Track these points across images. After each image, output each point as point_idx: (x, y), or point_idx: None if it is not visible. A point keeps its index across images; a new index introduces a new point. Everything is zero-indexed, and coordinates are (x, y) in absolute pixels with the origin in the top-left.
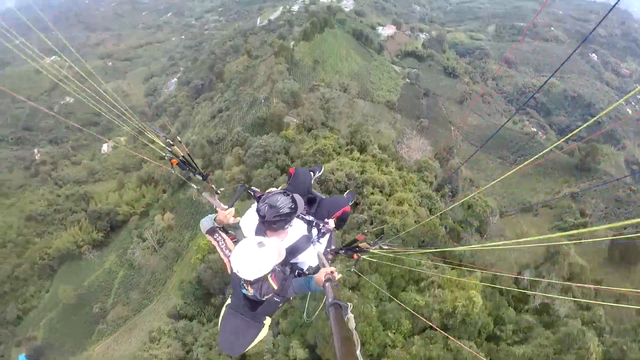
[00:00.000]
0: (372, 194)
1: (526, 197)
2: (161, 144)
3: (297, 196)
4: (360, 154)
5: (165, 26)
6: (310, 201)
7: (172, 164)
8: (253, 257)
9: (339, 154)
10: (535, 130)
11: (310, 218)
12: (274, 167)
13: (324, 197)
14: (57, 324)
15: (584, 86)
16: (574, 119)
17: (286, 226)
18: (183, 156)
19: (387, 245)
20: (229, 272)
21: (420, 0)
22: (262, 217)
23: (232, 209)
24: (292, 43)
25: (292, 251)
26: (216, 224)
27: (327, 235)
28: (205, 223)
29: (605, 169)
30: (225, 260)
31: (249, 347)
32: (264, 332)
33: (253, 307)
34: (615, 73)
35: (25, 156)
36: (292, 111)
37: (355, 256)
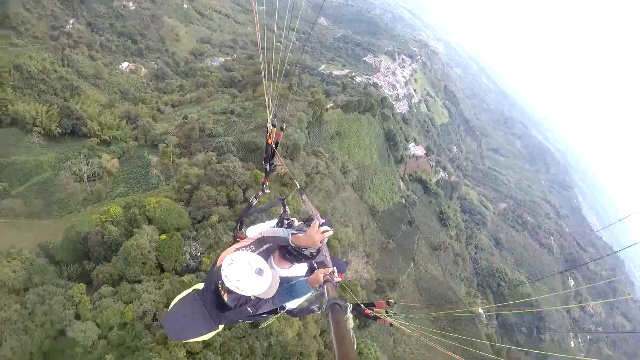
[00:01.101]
0: None
1: None
2: (269, 117)
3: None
4: None
5: (250, 14)
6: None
7: (267, 140)
8: (247, 277)
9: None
10: (481, 312)
11: (315, 264)
12: (224, 194)
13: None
14: None
15: (547, 301)
16: (520, 322)
17: (295, 263)
18: (276, 142)
19: (402, 320)
20: (219, 262)
21: (461, 145)
22: (285, 245)
23: (330, 229)
24: (331, 105)
25: (284, 282)
26: (291, 241)
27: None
28: (279, 234)
29: None
30: (223, 256)
31: (189, 341)
32: (212, 334)
33: (222, 309)
34: (582, 310)
35: (59, 17)
36: (283, 160)
37: (384, 321)
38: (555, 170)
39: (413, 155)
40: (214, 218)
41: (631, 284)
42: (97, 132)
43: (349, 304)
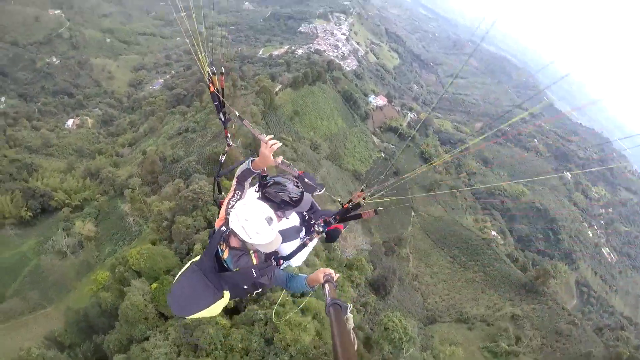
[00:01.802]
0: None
1: (465, 306)
2: (206, 68)
3: (307, 195)
4: None
5: (175, 24)
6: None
7: (209, 89)
8: (256, 219)
9: None
10: (494, 234)
11: (305, 215)
12: (201, 218)
13: (319, 207)
14: None
15: (551, 201)
16: (535, 230)
17: (279, 212)
18: (218, 90)
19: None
20: (217, 226)
21: (420, 81)
22: (264, 191)
23: (277, 141)
24: (279, 87)
25: (281, 237)
26: (252, 167)
27: (315, 240)
28: (242, 166)
29: (555, 289)
30: (223, 214)
31: (198, 315)
32: (219, 306)
33: (220, 269)
34: (584, 195)
35: None
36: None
37: (367, 213)
38: (517, 75)
39: (377, 107)
40: (197, 247)
41: (623, 157)
42: (67, 201)
43: (349, 304)
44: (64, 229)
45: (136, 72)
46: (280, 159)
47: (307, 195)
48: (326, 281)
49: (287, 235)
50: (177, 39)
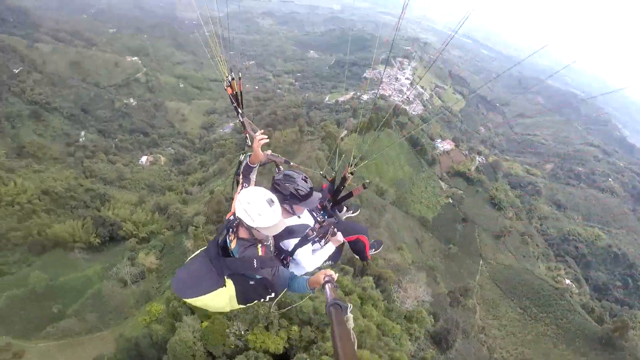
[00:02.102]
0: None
1: None
2: (225, 72)
3: (317, 193)
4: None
5: (245, 72)
6: (328, 215)
7: (227, 91)
8: (258, 202)
9: None
10: (568, 283)
11: (320, 218)
12: None
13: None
14: (18, 303)
15: (630, 245)
16: (612, 277)
17: (287, 206)
18: (236, 92)
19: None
20: (227, 216)
21: (486, 123)
22: (273, 182)
23: (265, 137)
24: (345, 132)
25: (289, 232)
26: (249, 162)
27: (329, 245)
28: (243, 163)
29: (635, 342)
30: (233, 207)
31: (199, 301)
32: (221, 296)
33: (224, 254)
34: None
35: (71, 134)
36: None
37: (357, 190)
38: (586, 110)
39: (444, 152)
40: None
41: None
42: (134, 232)
43: (349, 305)
44: (129, 259)
45: (208, 116)
46: (269, 152)
47: (317, 193)
48: (327, 282)
49: (294, 231)
50: (247, 85)
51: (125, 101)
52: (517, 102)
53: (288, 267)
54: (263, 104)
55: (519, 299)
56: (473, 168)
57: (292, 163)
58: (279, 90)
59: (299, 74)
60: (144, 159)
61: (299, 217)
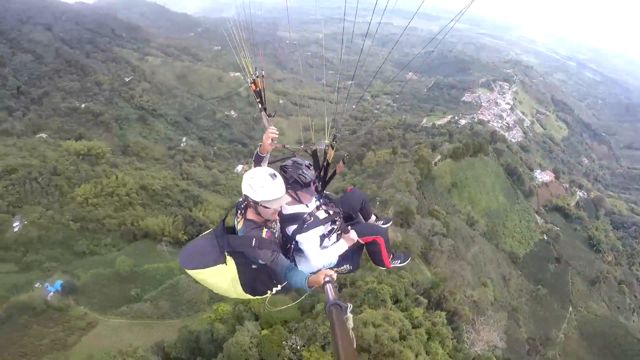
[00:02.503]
0: None
1: None
2: (250, 70)
3: (315, 189)
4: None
5: (343, 91)
6: (349, 219)
7: (251, 87)
8: (260, 177)
9: (395, 302)
10: None
11: (332, 212)
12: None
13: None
14: (101, 281)
15: None
16: None
17: (291, 191)
18: (259, 89)
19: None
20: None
21: (590, 154)
22: (281, 165)
23: (276, 130)
24: (438, 157)
25: (293, 218)
26: (259, 152)
27: (341, 242)
28: (254, 153)
29: None
30: None
31: (199, 271)
32: (222, 273)
33: (228, 230)
34: None
35: (173, 138)
36: (396, 230)
37: (338, 168)
38: None
39: (542, 183)
40: (319, 307)
41: None
42: None
43: (349, 305)
44: None
45: (305, 132)
46: (275, 143)
47: (312, 192)
48: (327, 282)
49: (297, 217)
50: (346, 104)
51: (226, 113)
52: (624, 131)
53: (293, 258)
54: (360, 124)
55: (606, 357)
56: (573, 203)
57: (291, 149)
58: (376, 111)
59: (397, 95)
60: (239, 167)
61: (306, 205)
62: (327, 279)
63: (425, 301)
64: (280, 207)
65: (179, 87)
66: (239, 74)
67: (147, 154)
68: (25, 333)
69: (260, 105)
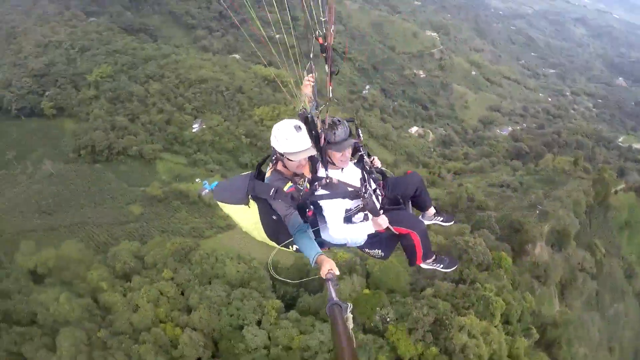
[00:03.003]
0: None
1: None
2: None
3: (350, 140)
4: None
5: (541, 79)
6: (394, 202)
7: (318, 41)
8: (286, 128)
9: (505, 322)
10: None
11: (362, 187)
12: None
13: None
14: None
15: None
16: None
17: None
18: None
19: None
20: None
21: None
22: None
23: (312, 79)
24: (622, 186)
25: (326, 185)
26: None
27: (368, 223)
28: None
29: None
30: None
31: (225, 205)
32: (245, 213)
33: (258, 175)
34: None
35: (357, 84)
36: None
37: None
38: None
39: None
40: (429, 291)
41: None
42: None
43: (349, 304)
44: None
45: (490, 112)
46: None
47: (351, 140)
48: (328, 279)
49: (331, 186)
50: (540, 94)
51: (414, 71)
52: None
53: (311, 220)
54: (550, 120)
55: None
56: None
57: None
58: (572, 111)
59: (599, 100)
60: (414, 129)
61: (341, 170)
62: (329, 275)
63: (537, 336)
64: (310, 163)
65: (373, 35)
66: (435, 34)
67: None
68: (173, 215)
69: (326, 62)
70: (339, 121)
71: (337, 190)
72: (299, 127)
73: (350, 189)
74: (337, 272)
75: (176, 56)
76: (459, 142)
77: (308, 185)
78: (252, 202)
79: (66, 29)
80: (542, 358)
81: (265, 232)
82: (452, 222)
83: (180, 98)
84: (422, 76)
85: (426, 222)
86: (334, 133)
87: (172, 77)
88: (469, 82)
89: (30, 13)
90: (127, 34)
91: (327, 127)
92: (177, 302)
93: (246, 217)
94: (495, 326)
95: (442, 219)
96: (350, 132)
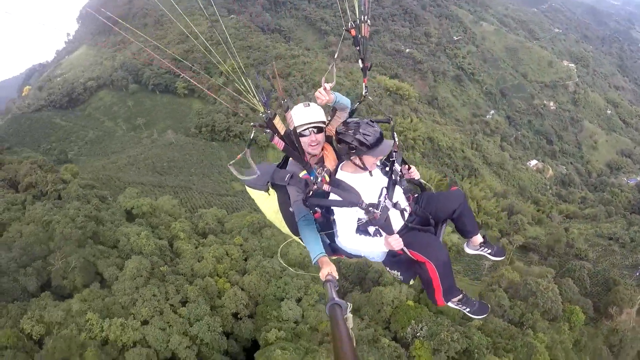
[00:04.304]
0: None
1: None
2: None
3: (388, 141)
4: None
5: None
6: (424, 221)
7: (351, 33)
8: (297, 107)
9: None
10: None
11: (403, 190)
12: (518, 310)
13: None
14: None
15: None
16: None
17: (354, 158)
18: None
19: None
20: None
21: None
22: (337, 134)
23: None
24: None
25: (345, 188)
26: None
27: (380, 240)
28: None
29: None
30: None
31: (249, 189)
32: (266, 201)
33: (284, 164)
34: None
35: (481, 107)
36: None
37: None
38: None
39: None
40: (476, 322)
41: None
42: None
43: (349, 304)
44: None
45: (620, 157)
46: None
47: (388, 141)
48: (327, 281)
49: (348, 191)
50: None
51: (544, 102)
52: None
53: (320, 222)
54: None
55: None
56: None
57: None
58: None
59: None
60: (533, 162)
61: (370, 174)
62: (328, 277)
63: None
64: (321, 146)
65: (505, 60)
66: (573, 65)
67: (450, 112)
68: None
69: (360, 55)
70: (371, 122)
71: (345, 195)
72: (308, 103)
73: (350, 198)
74: (337, 276)
75: (304, 58)
76: (579, 184)
77: (327, 177)
78: (272, 191)
79: (207, 22)
80: None
81: (287, 223)
82: (502, 257)
83: (302, 97)
84: (552, 108)
85: (470, 252)
86: (364, 135)
87: (298, 76)
88: (602, 120)
89: (178, 5)
90: (262, 33)
91: (345, 128)
92: (237, 265)
93: (266, 204)
94: None
95: (490, 251)
96: (381, 134)
